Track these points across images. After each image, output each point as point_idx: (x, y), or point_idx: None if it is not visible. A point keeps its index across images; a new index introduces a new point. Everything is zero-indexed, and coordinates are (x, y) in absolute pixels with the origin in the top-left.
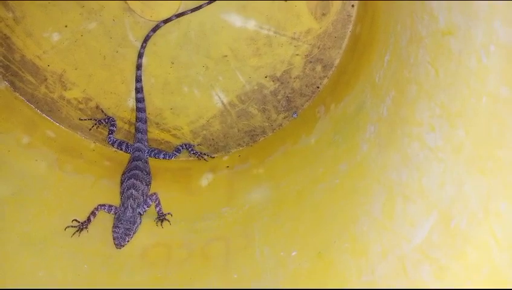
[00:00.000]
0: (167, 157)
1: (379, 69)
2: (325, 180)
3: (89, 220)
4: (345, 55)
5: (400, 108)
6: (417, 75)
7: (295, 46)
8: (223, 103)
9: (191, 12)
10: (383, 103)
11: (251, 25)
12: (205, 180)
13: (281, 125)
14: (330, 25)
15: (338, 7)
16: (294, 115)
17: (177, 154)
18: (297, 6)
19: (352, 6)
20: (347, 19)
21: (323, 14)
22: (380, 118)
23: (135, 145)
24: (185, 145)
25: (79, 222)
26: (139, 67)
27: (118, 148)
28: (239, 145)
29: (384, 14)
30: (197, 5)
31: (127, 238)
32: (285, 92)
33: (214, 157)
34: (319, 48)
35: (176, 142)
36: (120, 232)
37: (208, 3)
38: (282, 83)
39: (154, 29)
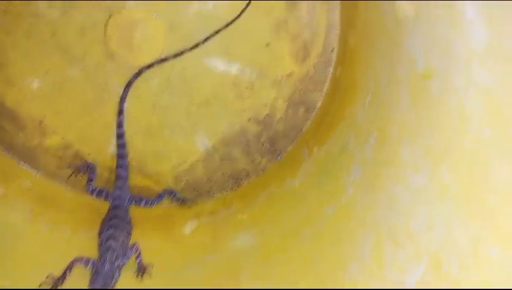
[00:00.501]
0: (149, 205)
1: (361, 111)
2: (311, 224)
3: (64, 276)
4: (327, 98)
5: (383, 150)
6: (398, 117)
7: (277, 89)
8: (206, 147)
9: (174, 58)
10: (367, 144)
11: (234, 69)
12: (188, 227)
13: (265, 168)
14: (311, 68)
15: (318, 51)
16: (278, 158)
17: (159, 201)
18: (278, 51)
19: (332, 50)
20: (327, 63)
21: (304, 58)
22: (364, 159)
23: (115, 192)
24: (168, 191)
25: (54, 277)
26: (121, 112)
27: (97, 196)
28: (223, 189)
29: (363, 58)
30: (180, 51)
31: None
32: (268, 135)
33: (197, 203)
34: (301, 90)
35: (158, 189)
36: (97, 288)
37: (190, 49)
38: (265, 126)
39: (137, 74)
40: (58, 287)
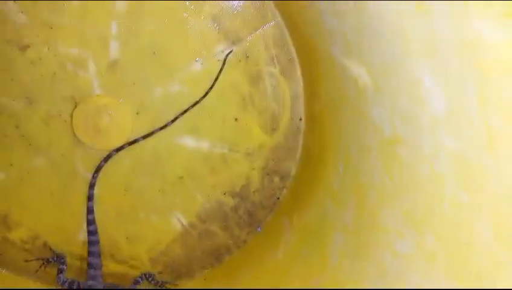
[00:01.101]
0: None
1: (335, 177)
2: None
3: None
4: (300, 166)
5: (363, 215)
6: (373, 182)
7: (250, 161)
8: (182, 225)
9: (143, 139)
10: (346, 211)
11: (204, 145)
12: None
13: (245, 241)
14: (282, 138)
15: (287, 121)
16: (258, 229)
17: (135, 287)
18: (248, 124)
19: (300, 119)
20: (297, 132)
21: (274, 129)
22: (346, 226)
23: (88, 283)
24: (145, 276)
25: None
26: (90, 198)
27: (68, 288)
28: (203, 267)
29: (331, 126)
30: (149, 132)
31: None
32: (245, 207)
33: (177, 284)
34: (273, 160)
35: (135, 273)
36: None
37: (160, 129)
38: (241, 198)
39: (106, 159)
40: None
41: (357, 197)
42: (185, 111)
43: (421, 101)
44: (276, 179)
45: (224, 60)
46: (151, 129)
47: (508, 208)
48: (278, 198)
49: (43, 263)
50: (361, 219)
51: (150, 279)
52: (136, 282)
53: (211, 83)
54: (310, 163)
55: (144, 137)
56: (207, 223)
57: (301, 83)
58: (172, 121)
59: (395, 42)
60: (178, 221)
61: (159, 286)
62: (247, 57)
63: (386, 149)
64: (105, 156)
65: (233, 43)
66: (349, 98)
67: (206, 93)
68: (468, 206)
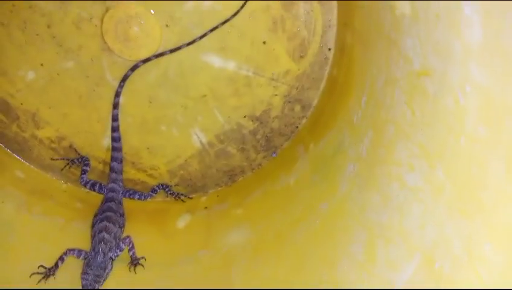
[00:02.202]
0: (142, 198)
1: (356, 110)
2: (305, 220)
3: (56, 266)
4: (323, 96)
5: (378, 148)
6: (394, 116)
7: (274, 86)
8: (201, 143)
9: (170, 52)
10: (362, 143)
11: (230, 65)
12: (182, 221)
13: (260, 165)
14: (308, 66)
15: (315, 50)
16: (274, 155)
17: (153, 194)
18: (276, 48)
19: (329, 49)
20: (324, 62)
21: (301, 57)
22: (359, 157)
23: (109, 185)
24: (162, 186)
25: (46, 268)
26: (115, 106)
27: (90, 189)
28: (217, 185)
29: (360, 58)
30: (177, 46)
31: (97, 286)
32: (264, 132)
33: (191, 197)
34: (297, 88)
35: (152, 183)
36: (89, 279)
37: (187, 45)
38: (261, 123)
39: (133, 68)
40: (50, 277)
41: (374, 130)
42: (214, 28)
43: (458, 31)
44: (297, 108)
45: None
46: (179, 44)
47: None
48: (297, 127)
49: (68, 163)
50: (375, 151)
51: (166, 189)
52: (154, 190)
53: (243, 2)
54: (333, 94)
55: (171, 51)
56: (225, 144)
57: (336, 12)
58: (201, 37)
59: None
60: (197, 138)
61: (175, 197)
62: None
63: (413, 81)
64: (132, 66)
65: None
66: (384, 28)
67: (237, 12)
68: (484, 142)
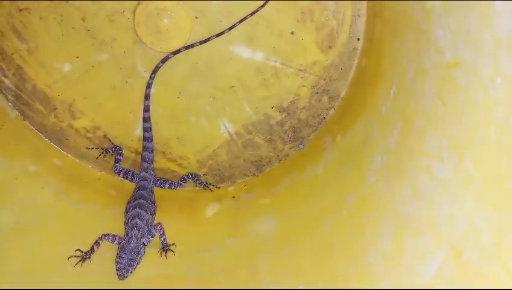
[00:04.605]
0: (172, 187)
1: (385, 101)
2: (332, 211)
3: (92, 250)
4: (351, 87)
5: (407, 139)
6: (424, 107)
7: (302, 77)
8: (229, 133)
9: (200, 44)
10: (390, 134)
11: (258, 56)
12: (210, 210)
13: (287, 155)
14: (336, 57)
15: (344, 40)
16: (301, 146)
17: (182, 184)
18: (304, 39)
19: (358, 39)
20: (353, 52)
21: (330, 47)
22: (388, 149)
23: (141, 174)
24: (191, 175)
25: (82, 251)
26: (147, 97)
27: (124, 177)
28: (245, 175)
29: (389, 48)
30: (206, 38)
31: (130, 269)
32: (291, 123)
33: (219, 187)
34: (325, 79)
35: (182, 172)
36: (123, 262)
37: (216, 36)
38: (288, 114)
39: (163, 60)
40: (86, 260)
41: (404, 121)
42: (242, 20)
43: (489, 23)
44: (325, 99)
45: None
46: (208, 35)
47: None
48: (324, 118)
49: (103, 152)
50: (404, 142)
51: (195, 179)
52: (183, 179)
53: None
54: (361, 85)
55: (201, 42)
56: (252, 134)
57: (365, 1)
58: (229, 28)
59: None
60: (225, 129)
61: (203, 187)
62: None
63: (444, 72)
64: (163, 57)
65: None
66: (414, 19)
67: (266, 3)
68: None
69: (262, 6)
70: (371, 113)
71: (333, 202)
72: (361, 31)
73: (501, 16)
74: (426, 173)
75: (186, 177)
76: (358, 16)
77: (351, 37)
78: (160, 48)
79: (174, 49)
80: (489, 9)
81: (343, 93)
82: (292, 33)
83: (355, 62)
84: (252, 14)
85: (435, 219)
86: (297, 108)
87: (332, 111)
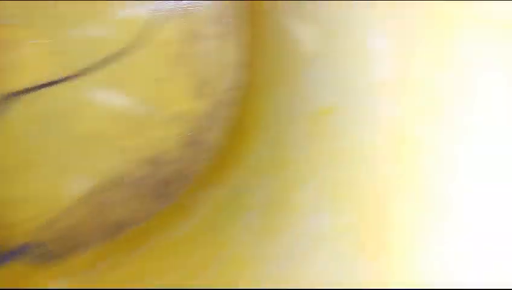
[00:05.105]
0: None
1: (259, 151)
2: (204, 270)
3: None
4: (224, 137)
5: (281, 190)
6: (298, 156)
7: (171, 126)
8: (81, 191)
9: (51, 85)
10: (264, 185)
11: (123, 102)
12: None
13: (153, 213)
14: (209, 106)
15: (219, 89)
16: (168, 203)
17: (15, 256)
18: (176, 86)
19: (233, 88)
20: (227, 101)
21: (203, 95)
22: (259, 202)
23: None
24: (27, 245)
25: None
26: None
27: None
28: (100, 240)
29: (263, 97)
30: (60, 78)
31: None
32: (158, 177)
33: (66, 258)
34: (198, 128)
35: (16, 241)
36: None
37: (73, 77)
38: (155, 167)
39: (3, 101)
40: None
41: (278, 171)
42: (107, 59)
43: (366, 65)
44: (196, 150)
45: (160, 11)
46: (64, 75)
47: (426, 181)
48: (195, 170)
49: None
50: (279, 194)
51: (33, 250)
52: (15, 252)
53: (142, 33)
54: (234, 136)
55: (52, 83)
56: (111, 191)
57: (241, 49)
58: (90, 68)
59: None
60: (77, 186)
61: (44, 259)
62: (188, 11)
63: (317, 120)
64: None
65: None
66: (289, 66)
67: (134, 44)
68: (390, 179)
69: (131, 46)
70: (245, 165)
71: (206, 261)
72: (236, 80)
73: (378, 60)
74: (301, 226)
75: (20, 249)
76: (234, 63)
77: (225, 85)
78: (2, 86)
79: (17, 89)
80: (367, 51)
81: (215, 144)
82: (162, 79)
83: (229, 112)
84: (117, 54)
85: (310, 276)
86: (165, 160)
87: (203, 163)
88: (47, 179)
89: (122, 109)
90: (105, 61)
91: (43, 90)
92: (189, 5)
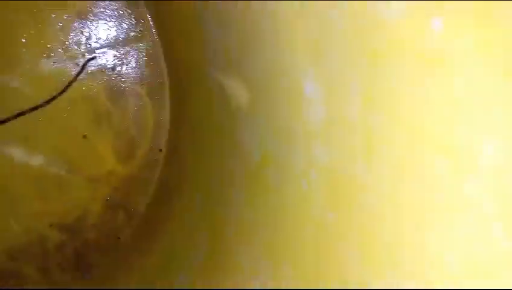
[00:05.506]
0: None
1: (191, 213)
2: None
3: None
4: (152, 201)
5: (216, 254)
6: (233, 216)
7: (93, 189)
8: None
9: None
10: (197, 250)
11: (37, 160)
12: None
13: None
14: (135, 168)
15: (145, 151)
16: (87, 276)
17: None
18: (98, 145)
19: (160, 150)
20: (154, 163)
21: (128, 157)
22: (192, 267)
23: None
24: None
25: None
26: None
27: None
28: None
29: (194, 157)
30: None
31: None
32: (76, 245)
33: None
34: (122, 192)
35: None
36: None
37: None
38: (73, 234)
39: None
40: None
41: (212, 233)
42: (21, 113)
43: (299, 113)
44: (121, 215)
45: (84, 65)
46: None
47: (372, 223)
48: (119, 238)
49: None
50: (214, 257)
51: None
52: None
53: (62, 87)
54: (163, 198)
55: None
56: (18, 262)
57: (168, 110)
58: (2, 121)
59: (278, 47)
60: None
61: None
62: (113, 69)
63: (252, 175)
64: None
65: (100, 49)
66: (220, 123)
67: (53, 98)
68: (332, 227)
69: (49, 101)
70: (175, 228)
71: None
72: (164, 142)
73: (311, 104)
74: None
75: None
76: (161, 125)
77: (152, 147)
78: None
79: None
80: (298, 100)
81: (142, 208)
82: (84, 136)
83: (157, 174)
84: (34, 108)
85: None
86: (84, 226)
87: (129, 229)
88: None
89: (38, 168)
90: (18, 116)
91: None
92: (116, 64)
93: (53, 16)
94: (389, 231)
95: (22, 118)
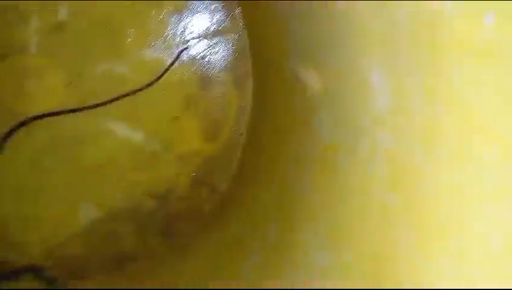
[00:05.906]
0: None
1: (265, 195)
2: None
3: None
4: (233, 180)
5: (285, 232)
6: (304, 198)
7: (181, 165)
8: (89, 220)
9: (69, 113)
10: (269, 229)
11: (136, 137)
12: None
13: (155, 251)
14: (218, 149)
15: (227, 133)
16: (172, 240)
17: (17, 277)
18: (187, 126)
19: (241, 134)
20: (235, 145)
21: (212, 138)
22: (267, 244)
23: None
24: (31, 267)
25: None
26: None
27: None
28: (103, 271)
29: (272, 142)
30: (77, 107)
31: None
32: (165, 213)
33: (68, 284)
34: (206, 170)
35: (20, 263)
36: None
37: (91, 108)
38: (163, 203)
39: (20, 124)
40: None
41: (283, 214)
42: (125, 95)
43: (365, 101)
44: (205, 191)
45: (178, 55)
46: (81, 105)
47: (427, 208)
48: (201, 211)
49: None
50: (284, 237)
51: (36, 272)
52: (18, 272)
53: (159, 74)
54: (242, 179)
55: (69, 111)
56: (117, 223)
57: (250, 97)
58: (108, 101)
59: (351, 43)
60: (85, 214)
61: (47, 283)
62: (203, 58)
63: (323, 158)
64: (20, 121)
65: (192, 40)
66: (296, 109)
67: (151, 83)
68: (392, 209)
69: (148, 85)
70: (250, 207)
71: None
72: (245, 126)
73: (378, 93)
74: (304, 266)
75: (23, 269)
76: (243, 110)
77: (234, 130)
78: (19, 109)
79: (35, 114)
80: (366, 88)
81: (223, 187)
82: (176, 118)
83: (238, 156)
84: (135, 91)
85: None
86: (173, 198)
87: (210, 204)
88: (57, 202)
89: (137, 143)
90: (124, 96)
91: (61, 116)
92: (206, 54)
93: (153, 12)
94: (443, 212)
95: (126, 98)
